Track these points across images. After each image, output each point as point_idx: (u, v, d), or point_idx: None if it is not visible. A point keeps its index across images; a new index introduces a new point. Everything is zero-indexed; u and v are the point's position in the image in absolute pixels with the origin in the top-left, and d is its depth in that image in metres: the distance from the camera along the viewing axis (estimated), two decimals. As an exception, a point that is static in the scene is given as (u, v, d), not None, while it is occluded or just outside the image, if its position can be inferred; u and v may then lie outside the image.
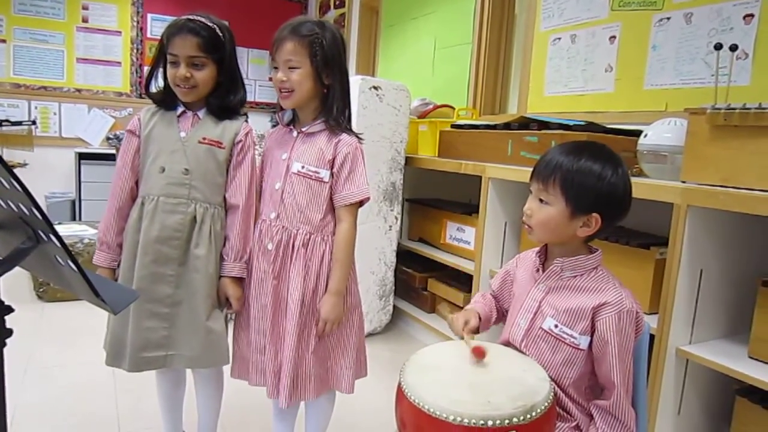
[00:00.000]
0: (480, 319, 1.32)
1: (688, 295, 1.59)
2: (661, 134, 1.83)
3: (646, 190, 1.64)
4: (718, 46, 1.70)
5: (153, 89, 1.53)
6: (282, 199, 1.48)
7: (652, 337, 1.48)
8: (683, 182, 1.63)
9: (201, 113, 1.51)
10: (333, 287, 1.47)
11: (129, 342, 1.46)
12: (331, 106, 1.47)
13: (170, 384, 1.66)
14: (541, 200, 1.17)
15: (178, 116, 1.51)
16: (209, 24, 1.45)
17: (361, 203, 1.51)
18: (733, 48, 1.68)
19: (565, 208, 1.14)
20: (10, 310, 0.89)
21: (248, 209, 1.51)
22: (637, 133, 1.93)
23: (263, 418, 1.76)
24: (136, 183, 1.52)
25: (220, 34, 1.47)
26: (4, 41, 4.70)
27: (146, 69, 1.54)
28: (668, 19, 2.22)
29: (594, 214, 1.13)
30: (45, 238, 0.81)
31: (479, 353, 1.10)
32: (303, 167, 1.47)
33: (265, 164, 1.57)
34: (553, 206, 1.15)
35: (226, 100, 1.51)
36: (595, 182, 1.12)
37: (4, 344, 0.89)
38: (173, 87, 1.47)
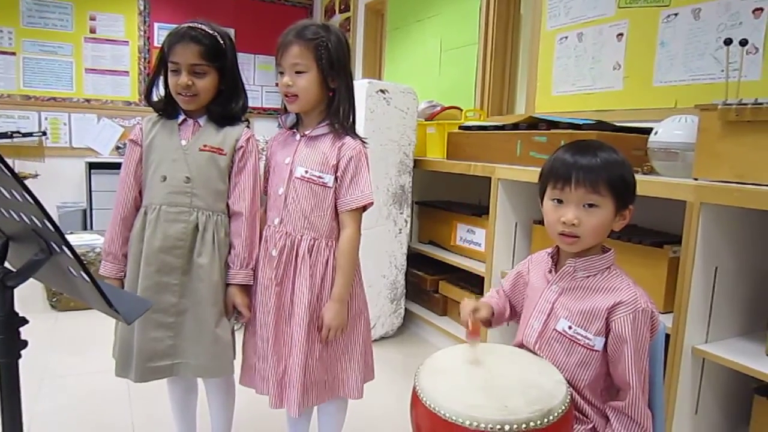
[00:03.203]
0: (493, 314, 1.31)
1: (703, 293, 1.58)
2: (671, 131, 1.81)
3: (658, 188, 1.62)
4: (728, 41, 1.68)
5: (154, 98, 1.52)
6: (285, 204, 1.47)
7: (667, 336, 1.46)
8: (695, 179, 1.61)
9: (202, 121, 1.51)
10: (336, 294, 1.45)
11: (135, 352, 1.46)
12: (337, 109, 1.45)
13: (181, 391, 1.66)
14: (589, 205, 1.12)
15: (179, 124, 1.50)
16: (210, 32, 1.44)
17: (364, 208, 1.49)
18: (743, 43, 1.67)
19: (613, 206, 1.12)
20: (24, 321, 0.89)
21: (252, 215, 1.50)
22: (648, 131, 1.92)
23: (276, 424, 1.76)
24: (140, 193, 1.51)
25: (221, 42, 1.46)
26: (13, 53, 4.75)
27: (150, 78, 1.53)
28: (676, 15, 2.21)
29: (630, 206, 1.14)
30: (58, 250, 0.82)
31: (473, 332, 1.17)
32: (306, 172, 1.45)
33: (269, 169, 1.55)
34: (604, 208, 1.12)
35: (227, 107, 1.50)
36: (628, 172, 1.14)
37: (20, 356, 0.90)
38: (175, 95, 1.46)
